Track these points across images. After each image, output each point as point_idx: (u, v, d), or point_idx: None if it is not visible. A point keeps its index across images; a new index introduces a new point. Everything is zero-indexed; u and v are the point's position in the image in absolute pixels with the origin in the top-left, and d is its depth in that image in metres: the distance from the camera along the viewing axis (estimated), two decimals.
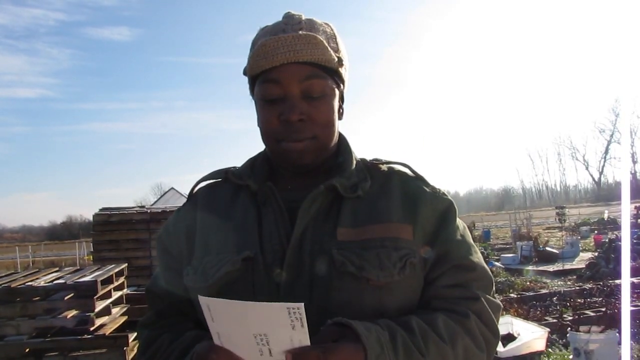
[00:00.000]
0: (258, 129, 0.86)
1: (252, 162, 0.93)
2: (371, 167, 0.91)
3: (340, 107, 0.90)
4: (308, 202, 0.81)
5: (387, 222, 0.81)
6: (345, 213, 0.82)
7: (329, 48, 0.82)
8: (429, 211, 0.84)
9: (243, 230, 0.83)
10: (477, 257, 0.85)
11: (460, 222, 0.87)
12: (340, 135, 0.93)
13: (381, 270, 0.76)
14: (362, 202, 0.84)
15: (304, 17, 0.86)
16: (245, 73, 0.87)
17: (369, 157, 0.94)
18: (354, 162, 0.89)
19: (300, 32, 0.81)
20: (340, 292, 0.76)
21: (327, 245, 0.79)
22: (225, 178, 0.92)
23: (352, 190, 0.84)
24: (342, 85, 0.88)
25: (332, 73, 0.84)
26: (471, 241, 0.87)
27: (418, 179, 0.90)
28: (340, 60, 0.84)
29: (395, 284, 0.77)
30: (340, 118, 0.90)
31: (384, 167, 0.91)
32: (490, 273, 0.87)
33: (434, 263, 0.82)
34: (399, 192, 0.86)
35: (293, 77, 0.80)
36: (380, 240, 0.79)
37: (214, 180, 0.95)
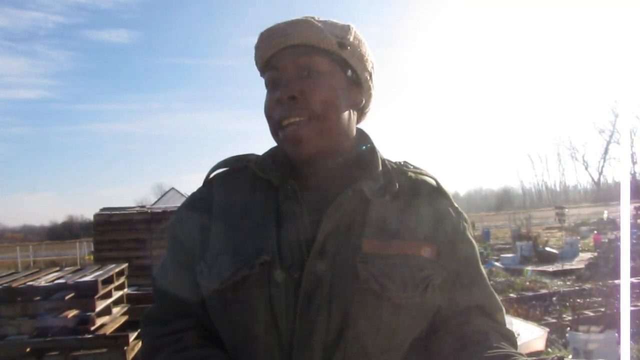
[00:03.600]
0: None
1: (274, 154, 0.88)
2: (398, 171, 0.87)
3: (359, 101, 0.87)
4: (334, 207, 0.78)
5: (413, 240, 0.79)
6: (371, 222, 0.79)
7: (324, 30, 0.81)
8: (456, 239, 0.83)
9: (261, 231, 0.79)
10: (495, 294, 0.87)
11: (473, 240, 0.88)
12: (362, 131, 0.90)
13: (403, 290, 0.75)
14: (389, 212, 0.81)
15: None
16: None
17: (394, 159, 0.91)
18: (380, 162, 0.86)
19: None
20: (360, 307, 0.73)
21: (352, 257, 0.76)
22: (245, 167, 0.88)
23: (379, 193, 0.81)
24: (349, 71, 0.84)
25: (331, 55, 0.82)
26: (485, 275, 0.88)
27: (445, 198, 0.87)
28: (342, 44, 0.82)
29: (415, 304, 0.76)
30: (360, 113, 0.88)
31: (412, 175, 0.88)
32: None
33: (461, 294, 0.82)
34: (426, 207, 0.83)
35: (288, 59, 0.80)
36: (405, 258, 0.77)
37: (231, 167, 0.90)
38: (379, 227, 0.79)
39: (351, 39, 0.83)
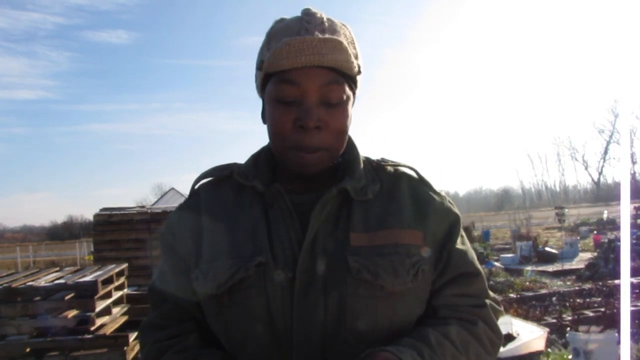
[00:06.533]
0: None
1: (255, 159, 0.90)
2: (377, 168, 0.89)
3: None
4: (320, 205, 0.79)
5: (398, 228, 0.80)
6: (356, 217, 0.81)
7: (351, 54, 0.79)
8: (439, 220, 0.84)
9: (252, 234, 0.80)
10: (476, 261, 0.87)
11: (463, 233, 0.89)
12: None
13: (395, 277, 0.76)
14: (372, 206, 0.83)
15: (325, 17, 0.81)
16: (259, 67, 0.83)
17: (373, 157, 0.92)
18: (362, 162, 0.88)
19: (326, 35, 0.77)
20: (355, 298, 0.75)
21: (341, 251, 0.77)
22: (229, 175, 0.89)
23: (362, 193, 0.83)
24: (356, 93, 0.87)
25: (350, 79, 0.82)
26: (469, 245, 0.89)
27: (425, 184, 0.89)
28: (359, 68, 0.83)
29: (408, 290, 0.77)
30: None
31: (391, 169, 0.90)
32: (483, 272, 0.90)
33: (442, 269, 0.83)
34: (408, 196, 0.85)
35: (314, 82, 0.77)
36: (393, 247, 0.78)
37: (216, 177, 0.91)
38: (365, 220, 0.81)
39: (360, 55, 0.85)
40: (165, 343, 0.83)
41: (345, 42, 0.78)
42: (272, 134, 0.82)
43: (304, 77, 0.77)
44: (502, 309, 0.88)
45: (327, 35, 0.77)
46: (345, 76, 0.81)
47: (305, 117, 0.77)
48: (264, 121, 0.87)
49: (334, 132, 0.80)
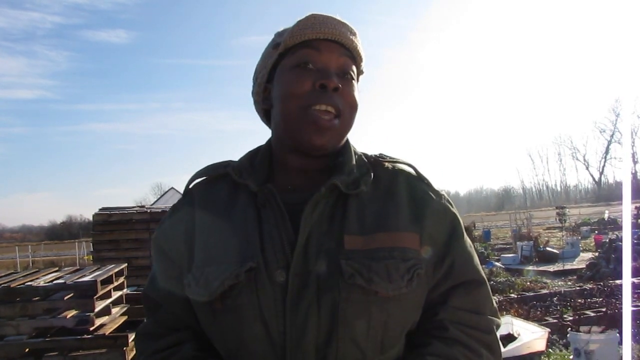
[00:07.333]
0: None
1: (252, 157, 0.89)
2: (374, 163, 0.88)
3: None
4: (310, 206, 0.78)
5: (394, 231, 0.79)
6: (351, 217, 0.79)
7: (360, 47, 0.87)
8: (437, 220, 0.83)
9: (244, 237, 0.79)
10: (480, 268, 0.86)
11: (465, 234, 0.87)
12: None
13: (390, 282, 0.74)
14: (368, 204, 0.81)
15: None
16: (275, 46, 0.86)
17: (371, 152, 0.91)
18: (354, 157, 0.87)
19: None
20: (349, 303, 0.74)
21: (335, 254, 0.76)
22: (224, 173, 0.88)
23: (354, 186, 0.81)
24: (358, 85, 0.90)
25: (359, 69, 0.89)
26: (474, 250, 0.87)
27: (423, 182, 0.87)
28: (362, 67, 0.90)
29: (403, 295, 0.76)
30: None
31: (389, 165, 0.89)
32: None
33: (444, 274, 0.81)
34: (405, 195, 0.83)
35: (334, 52, 0.83)
36: (388, 251, 0.77)
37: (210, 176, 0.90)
38: (360, 221, 0.80)
39: (364, 61, 0.90)
40: (161, 354, 0.82)
41: (357, 35, 0.86)
42: (286, 96, 0.82)
43: (327, 47, 0.83)
44: (500, 320, 0.87)
45: (342, 20, 0.85)
46: (357, 64, 0.87)
47: (326, 77, 0.80)
48: (266, 120, 0.90)
49: (347, 102, 0.83)
